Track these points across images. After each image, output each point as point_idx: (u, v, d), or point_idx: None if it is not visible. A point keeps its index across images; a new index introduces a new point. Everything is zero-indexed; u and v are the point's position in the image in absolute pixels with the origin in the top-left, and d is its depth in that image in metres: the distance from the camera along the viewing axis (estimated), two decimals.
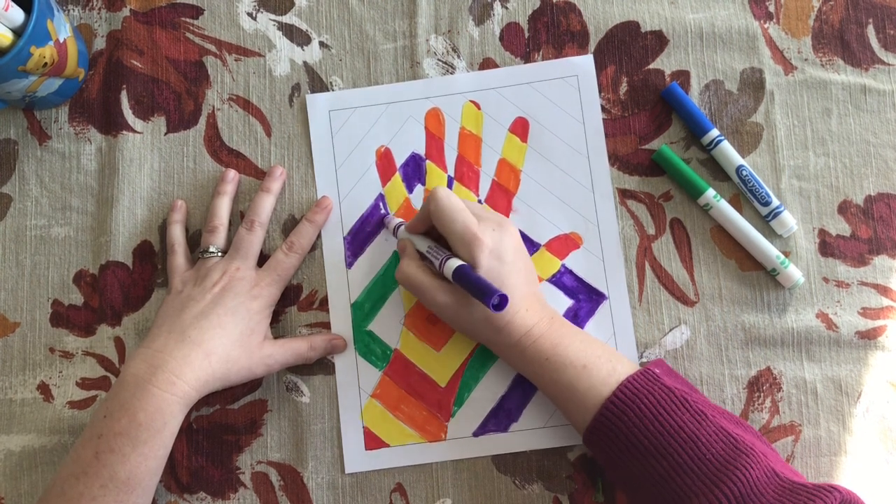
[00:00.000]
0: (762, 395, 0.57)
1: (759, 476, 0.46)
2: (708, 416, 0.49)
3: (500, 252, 0.51)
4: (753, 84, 0.60)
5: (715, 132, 0.59)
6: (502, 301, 0.47)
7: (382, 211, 0.60)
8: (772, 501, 0.45)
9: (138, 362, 0.51)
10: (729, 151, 0.59)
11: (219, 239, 0.58)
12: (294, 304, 0.59)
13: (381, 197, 0.60)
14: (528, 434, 0.57)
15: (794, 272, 0.57)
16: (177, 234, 0.59)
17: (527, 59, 0.61)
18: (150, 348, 0.52)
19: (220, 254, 0.57)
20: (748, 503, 0.45)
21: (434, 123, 0.61)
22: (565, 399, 0.51)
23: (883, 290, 0.58)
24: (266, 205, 0.58)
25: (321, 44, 0.62)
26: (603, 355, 0.51)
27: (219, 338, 0.53)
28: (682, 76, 0.60)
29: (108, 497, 0.48)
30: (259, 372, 0.55)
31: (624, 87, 0.61)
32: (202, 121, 0.61)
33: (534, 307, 0.53)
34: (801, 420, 0.57)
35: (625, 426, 0.48)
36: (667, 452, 0.47)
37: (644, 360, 0.58)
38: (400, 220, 0.58)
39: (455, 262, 0.50)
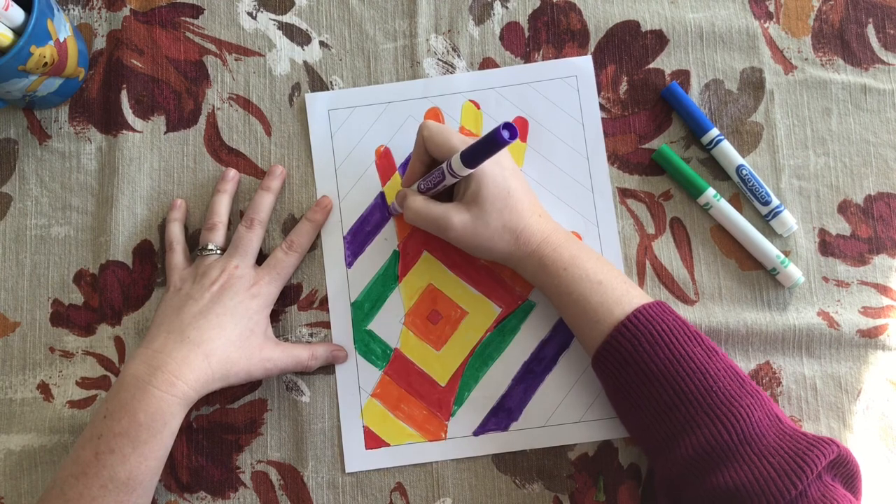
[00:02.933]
0: (762, 388, 0.57)
1: (761, 417, 0.47)
2: (719, 353, 0.49)
3: (498, 160, 0.53)
4: (753, 83, 0.60)
5: (715, 132, 0.59)
6: (511, 128, 0.46)
7: (387, 212, 0.60)
8: (772, 444, 0.46)
9: (138, 363, 0.51)
10: (729, 151, 0.59)
11: (218, 236, 0.58)
12: (294, 303, 0.59)
13: (380, 196, 0.60)
14: (529, 433, 0.57)
15: (794, 271, 0.57)
16: (175, 232, 0.59)
17: (527, 58, 0.61)
18: (150, 349, 0.52)
19: (218, 251, 0.57)
20: (750, 442, 0.46)
21: None
22: (578, 314, 0.52)
23: (883, 290, 0.58)
24: (266, 203, 0.58)
25: (321, 43, 0.62)
26: (618, 277, 0.52)
27: (218, 338, 0.53)
28: (682, 75, 0.60)
29: (108, 497, 0.48)
30: (258, 375, 0.54)
31: (624, 87, 0.61)
32: (202, 120, 0.61)
33: (545, 216, 0.54)
34: (801, 415, 0.57)
35: (636, 350, 0.49)
36: (674, 380, 0.48)
37: None
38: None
39: (456, 155, 0.51)
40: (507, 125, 0.46)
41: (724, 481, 0.45)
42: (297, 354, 0.56)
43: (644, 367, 0.48)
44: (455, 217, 0.53)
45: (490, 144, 0.48)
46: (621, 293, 0.51)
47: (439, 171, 0.53)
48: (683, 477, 0.47)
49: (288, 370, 0.56)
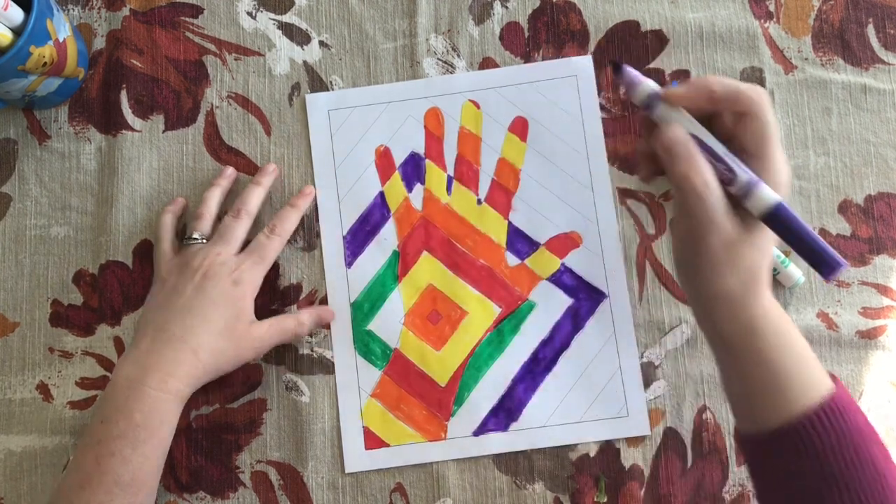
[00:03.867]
0: None
1: None
2: (889, 455, 0.44)
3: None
4: (753, 83, 0.60)
5: None
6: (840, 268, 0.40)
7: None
8: None
9: (128, 365, 0.51)
10: None
11: (203, 225, 0.57)
12: (294, 303, 0.59)
13: (380, 196, 0.60)
14: (529, 433, 0.57)
15: (794, 271, 0.57)
16: (166, 223, 0.58)
17: (527, 58, 0.61)
18: (139, 349, 0.52)
19: (203, 240, 0.57)
20: None
21: (433, 123, 0.61)
22: (769, 385, 0.43)
23: (883, 290, 0.58)
24: (255, 196, 0.58)
25: (321, 43, 0.62)
26: (810, 351, 0.45)
27: (205, 332, 0.52)
28: (682, 75, 0.60)
29: (115, 502, 0.48)
30: (249, 356, 0.55)
31: (624, 87, 0.60)
32: (201, 118, 0.61)
33: None
34: None
35: (822, 443, 0.42)
36: (852, 485, 0.41)
37: (644, 359, 0.58)
38: (654, 86, 0.44)
39: (771, 193, 0.40)
40: (843, 264, 0.40)
41: None
42: (283, 326, 0.56)
43: (824, 462, 0.42)
44: (728, 221, 0.41)
45: (812, 259, 0.41)
46: (819, 372, 0.44)
47: (745, 178, 0.41)
48: None
49: (277, 343, 0.56)
